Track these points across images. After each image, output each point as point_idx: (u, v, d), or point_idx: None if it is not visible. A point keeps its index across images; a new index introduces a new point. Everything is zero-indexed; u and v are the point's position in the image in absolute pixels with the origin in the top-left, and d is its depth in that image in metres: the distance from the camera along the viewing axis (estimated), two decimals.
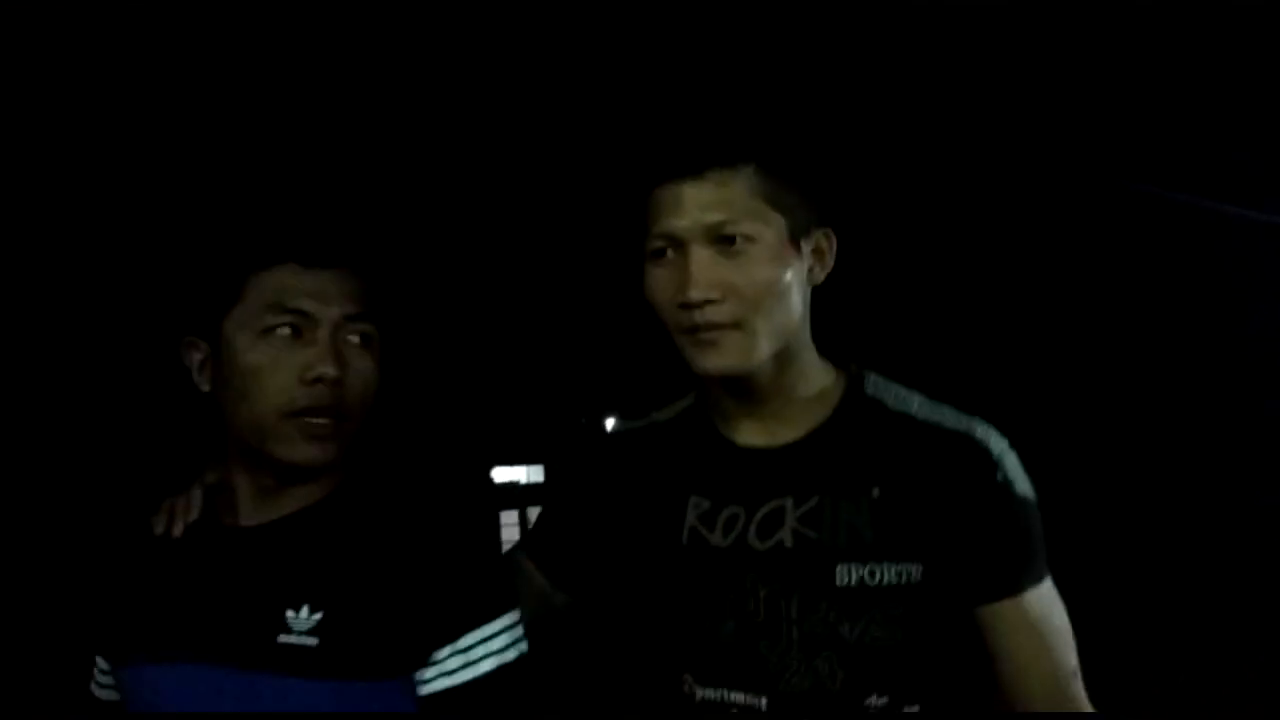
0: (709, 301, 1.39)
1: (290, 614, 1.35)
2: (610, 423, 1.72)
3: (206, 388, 1.45)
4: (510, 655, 1.37)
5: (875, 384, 1.53)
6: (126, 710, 1.45)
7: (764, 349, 1.43)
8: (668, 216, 1.42)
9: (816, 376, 1.52)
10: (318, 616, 1.34)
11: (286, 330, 1.38)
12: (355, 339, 1.41)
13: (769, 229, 1.42)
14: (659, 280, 1.45)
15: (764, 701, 1.42)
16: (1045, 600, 1.43)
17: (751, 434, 1.52)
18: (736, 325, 1.40)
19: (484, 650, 1.36)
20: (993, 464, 1.42)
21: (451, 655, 1.35)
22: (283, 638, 1.34)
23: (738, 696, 1.43)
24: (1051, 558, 1.46)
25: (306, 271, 1.39)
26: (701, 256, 1.40)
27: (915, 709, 1.42)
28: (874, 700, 1.40)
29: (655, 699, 1.52)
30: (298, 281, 1.39)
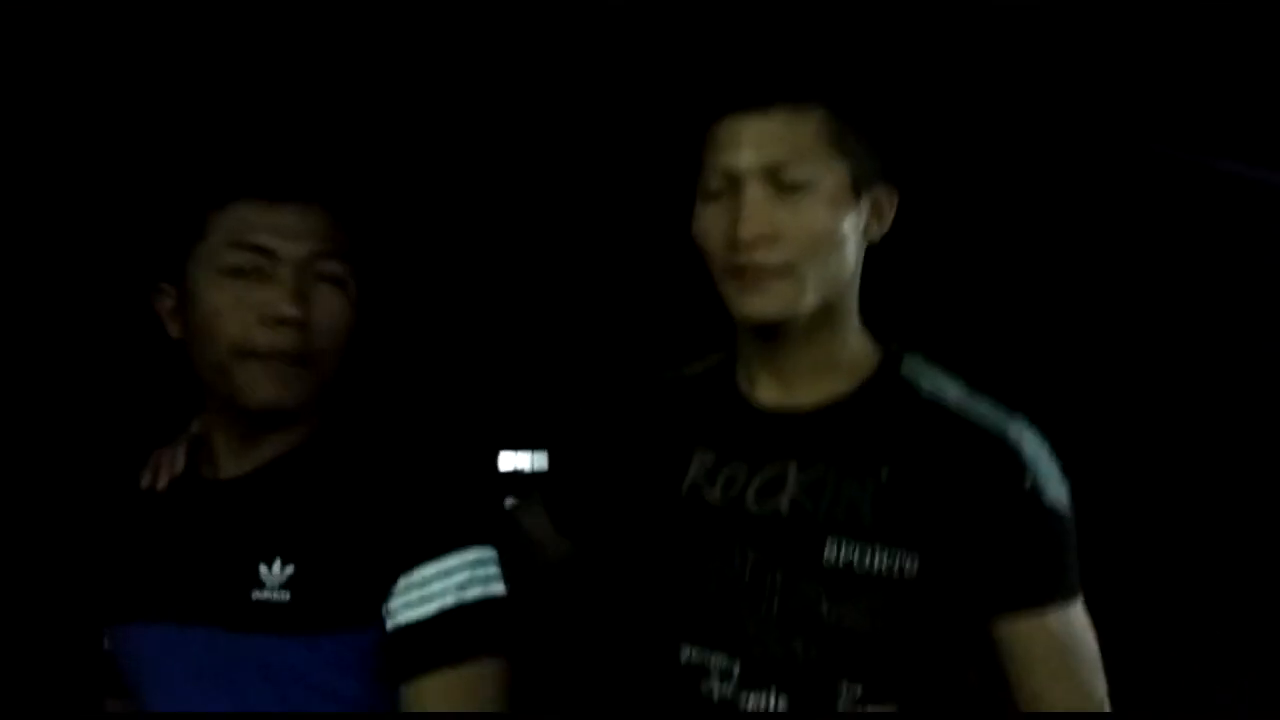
0: (760, 244, 1.33)
1: (264, 569, 1.30)
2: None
3: (177, 334, 1.40)
4: (472, 593, 1.30)
5: (913, 366, 1.44)
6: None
7: (810, 298, 1.36)
8: (727, 152, 1.35)
9: (853, 345, 1.44)
10: (290, 570, 1.30)
11: (248, 268, 1.32)
12: (324, 278, 1.35)
13: (830, 175, 1.35)
14: (710, 217, 1.38)
15: (738, 666, 1.37)
16: (1071, 623, 1.34)
17: (771, 394, 1.45)
18: (785, 271, 1.34)
19: (443, 584, 1.29)
20: (1022, 467, 1.33)
21: (409, 587, 1.29)
22: (256, 594, 1.29)
23: (718, 659, 1.38)
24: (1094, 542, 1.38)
25: (270, 207, 1.33)
26: (757, 196, 1.34)
27: (892, 708, 1.34)
28: (845, 687, 1.33)
29: (645, 659, 1.47)
30: (260, 217, 1.32)
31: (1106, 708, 1.34)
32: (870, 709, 1.33)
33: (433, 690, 1.28)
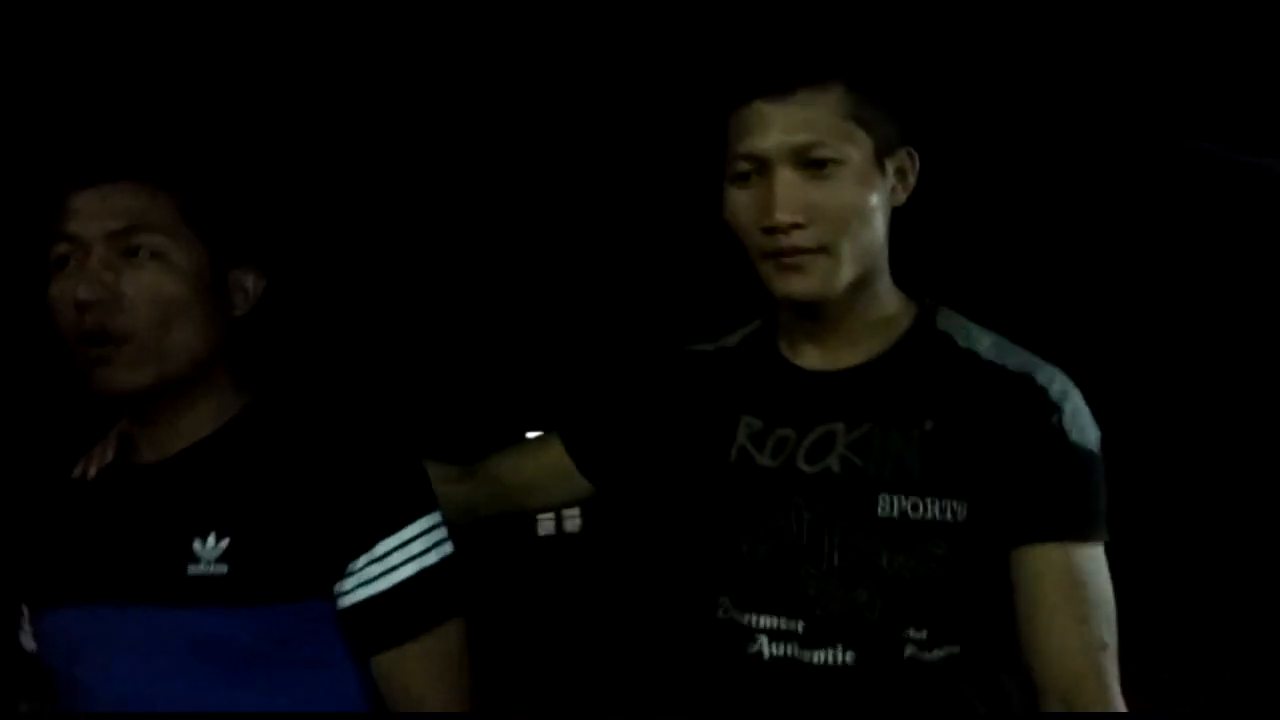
0: (795, 225, 1.37)
1: (197, 544, 1.32)
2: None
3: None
4: (431, 558, 1.36)
5: (948, 319, 1.50)
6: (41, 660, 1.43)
7: (847, 273, 1.41)
8: (753, 137, 1.39)
9: (888, 303, 1.50)
10: (225, 543, 1.31)
11: (66, 256, 1.33)
12: (135, 253, 1.32)
13: (857, 150, 1.39)
14: (741, 203, 1.42)
15: (801, 625, 1.41)
16: (1088, 563, 1.37)
17: (813, 357, 1.50)
18: (822, 249, 1.39)
19: (403, 555, 1.34)
20: (1050, 406, 1.38)
21: (369, 564, 1.33)
22: (192, 569, 1.31)
23: (770, 621, 1.43)
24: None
25: (81, 191, 1.34)
26: (787, 178, 1.38)
27: (955, 649, 1.40)
28: (912, 633, 1.38)
29: (684, 622, 1.52)
30: (72, 203, 1.33)
31: (1111, 658, 1.35)
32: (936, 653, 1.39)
33: (410, 658, 1.34)
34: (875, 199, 1.41)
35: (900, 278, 1.53)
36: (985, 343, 1.46)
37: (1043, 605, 1.35)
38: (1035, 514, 1.37)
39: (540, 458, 1.68)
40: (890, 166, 1.44)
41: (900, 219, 1.50)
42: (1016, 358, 1.44)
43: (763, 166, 1.39)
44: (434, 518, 1.38)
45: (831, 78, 1.39)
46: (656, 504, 1.58)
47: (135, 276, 1.32)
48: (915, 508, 1.39)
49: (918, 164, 1.48)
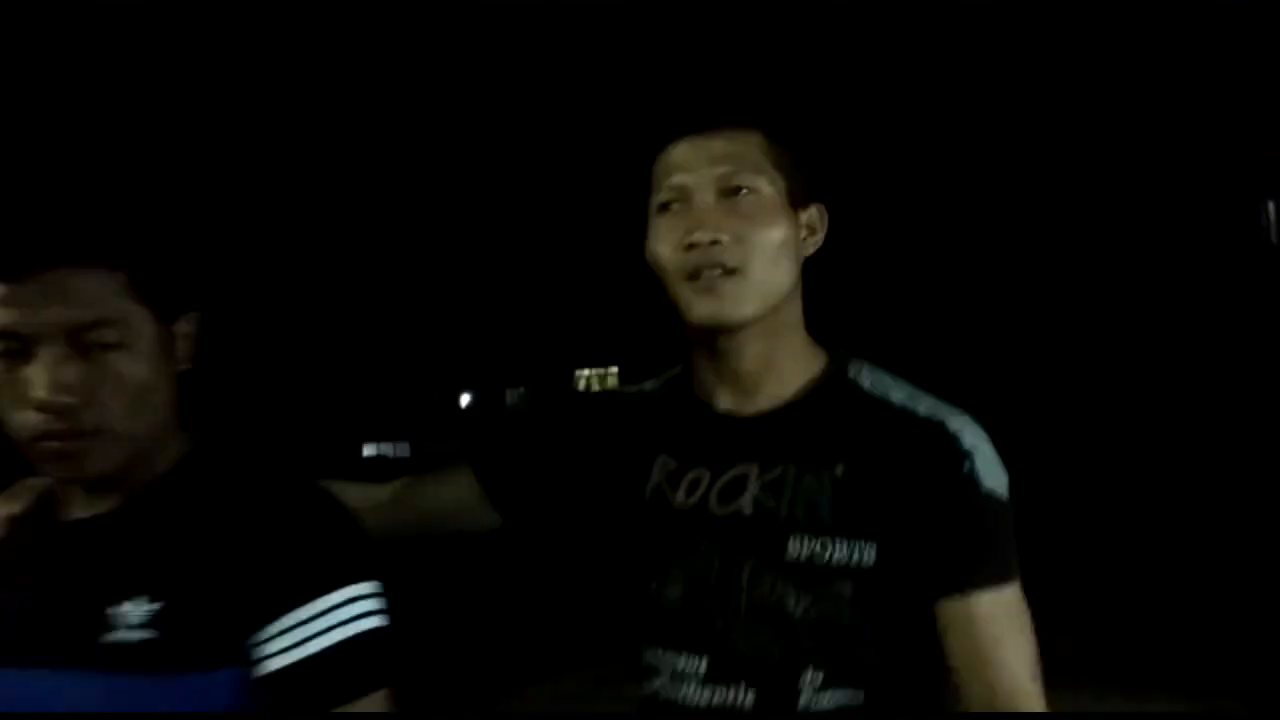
0: (714, 242, 1.43)
1: (122, 607, 1.25)
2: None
3: None
4: (359, 627, 1.26)
5: (859, 370, 1.54)
6: None
7: (755, 301, 1.45)
8: (679, 170, 1.48)
9: (801, 353, 1.54)
10: (153, 607, 1.25)
11: (12, 351, 1.24)
12: (93, 347, 1.25)
13: (771, 187, 1.48)
14: (664, 229, 1.48)
15: (704, 664, 1.44)
16: (1001, 607, 1.40)
17: (728, 401, 1.53)
18: (736, 270, 1.43)
19: (326, 622, 1.25)
20: (961, 454, 1.42)
21: (290, 629, 1.25)
22: (113, 635, 1.24)
23: (675, 659, 1.46)
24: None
25: (16, 285, 1.23)
26: (709, 203, 1.46)
27: (859, 693, 1.42)
28: (809, 674, 1.40)
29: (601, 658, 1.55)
30: (8, 297, 1.23)
31: (1035, 697, 1.37)
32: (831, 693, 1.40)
33: None
34: (785, 235, 1.47)
35: (815, 331, 1.57)
36: (896, 390, 1.50)
37: (970, 654, 1.38)
38: (953, 566, 1.40)
39: (455, 485, 1.69)
40: (801, 216, 1.52)
41: (814, 275, 1.55)
42: (927, 405, 1.47)
43: (686, 196, 1.47)
44: (367, 586, 1.29)
45: (751, 124, 1.50)
46: (568, 539, 1.62)
47: (98, 370, 1.25)
48: (824, 549, 1.41)
49: (826, 221, 1.56)
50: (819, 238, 1.55)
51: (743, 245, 1.44)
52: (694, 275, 1.45)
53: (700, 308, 1.45)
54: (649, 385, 1.66)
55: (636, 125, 1.56)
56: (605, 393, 1.69)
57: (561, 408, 1.71)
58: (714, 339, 1.50)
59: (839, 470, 1.44)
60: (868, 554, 1.40)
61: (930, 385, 1.53)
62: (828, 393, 1.51)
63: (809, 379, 1.52)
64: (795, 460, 1.46)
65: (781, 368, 1.51)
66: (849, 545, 1.41)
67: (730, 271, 1.44)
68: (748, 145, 1.48)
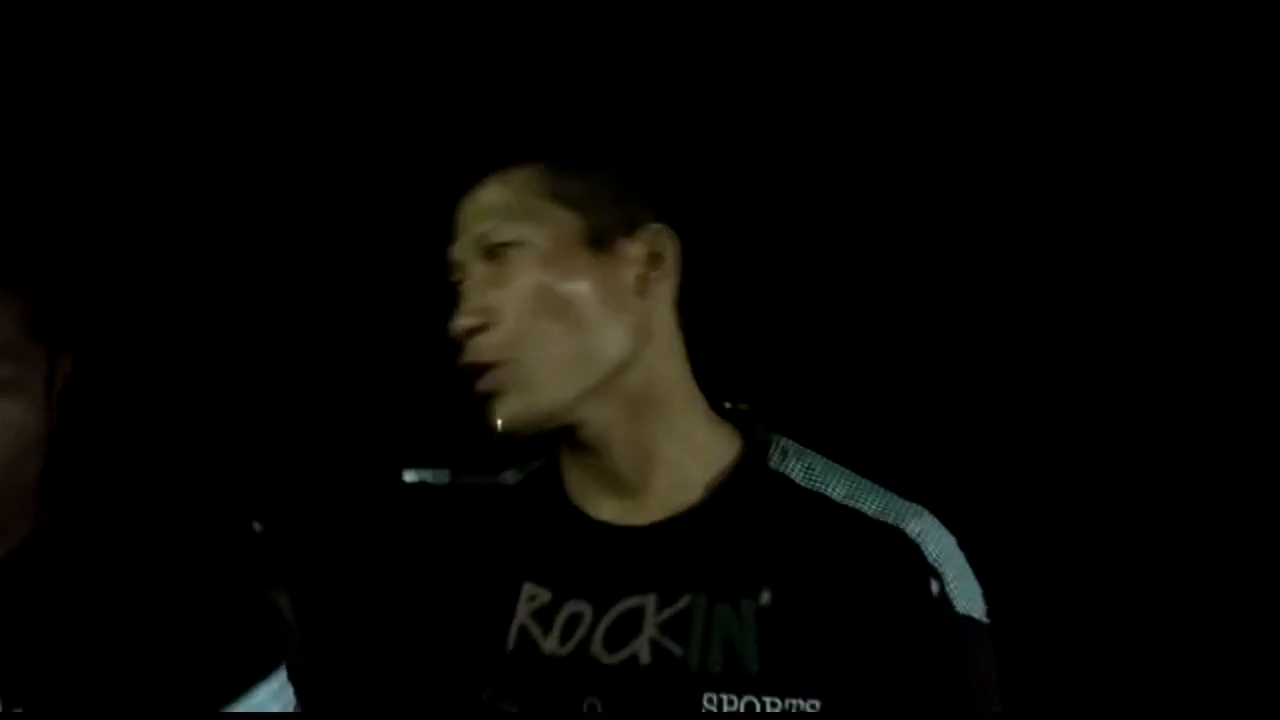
0: (475, 330, 1.13)
1: None
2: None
3: None
4: None
5: (785, 452, 1.18)
6: None
7: (553, 391, 1.12)
8: (453, 241, 1.19)
9: (698, 435, 1.18)
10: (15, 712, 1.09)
11: None
12: None
13: (542, 229, 1.14)
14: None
15: None
16: None
17: (610, 507, 1.17)
18: (506, 363, 1.12)
19: None
20: (926, 569, 1.09)
21: None
22: None
23: None
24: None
25: None
26: (475, 278, 1.16)
27: None
28: None
29: None
30: None
31: None
32: None
33: None
34: (572, 286, 1.13)
35: (717, 399, 1.22)
36: (836, 482, 1.16)
37: None
38: (929, 707, 1.08)
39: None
40: (625, 249, 1.16)
41: (701, 322, 1.22)
42: (876, 501, 1.13)
43: (460, 272, 1.18)
44: (270, 684, 1.18)
45: (526, 157, 1.17)
46: (418, 693, 1.21)
47: None
48: (751, 710, 1.06)
49: (677, 245, 1.19)
50: (669, 268, 1.18)
51: (508, 322, 1.12)
52: (472, 379, 1.14)
53: (490, 418, 1.14)
54: (509, 477, 1.28)
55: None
56: (456, 486, 1.31)
57: (402, 508, 1.32)
58: (567, 441, 1.17)
59: (765, 598, 1.09)
60: (807, 711, 1.06)
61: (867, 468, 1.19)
62: (744, 489, 1.15)
63: (717, 470, 1.16)
64: (706, 587, 1.10)
65: (671, 458, 1.16)
66: (785, 703, 1.06)
67: (501, 364, 1.12)
68: (518, 186, 1.15)
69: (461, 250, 1.17)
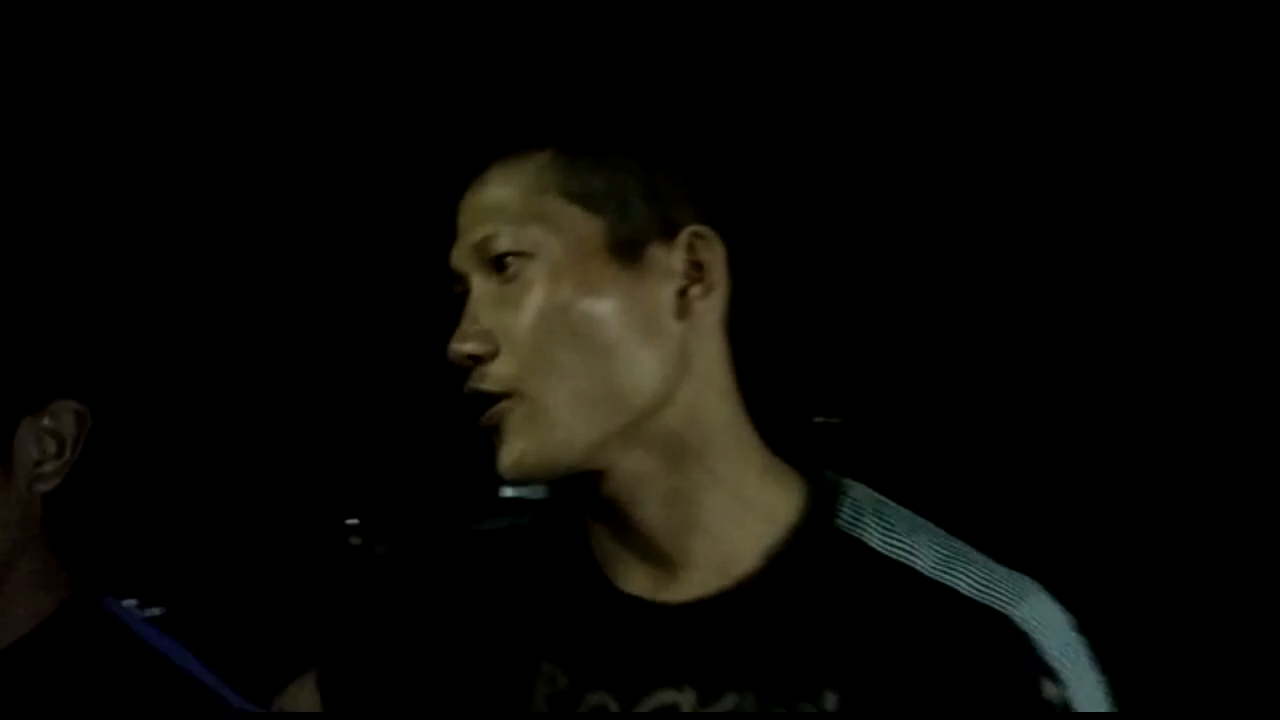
0: (474, 358, 0.93)
1: None
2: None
3: None
4: None
5: (858, 508, 0.96)
6: None
7: (571, 432, 0.92)
8: (454, 247, 0.99)
9: (750, 488, 0.95)
10: None
11: None
12: None
13: (557, 236, 0.93)
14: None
15: None
16: None
17: (642, 579, 0.96)
18: (512, 394, 0.93)
19: None
20: (1040, 668, 0.86)
21: None
22: None
23: None
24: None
25: None
26: (480, 295, 0.96)
27: None
28: None
29: None
30: None
31: None
32: None
33: None
34: (607, 307, 0.92)
35: (775, 440, 0.99)
36: (922, 547, 0.93)
37: None
38: None
39: (300, 700, 1.14)
40: (661, 259, 0.94)
41: (754, 347, 1.00)
42: (976, 574, 0.91)
43: (463, 284, 0.97)
44: None
45: (532, 144, 0.96)
46: None
47: None
48: None
49: (721, 251, 0.96)
50: (714, 279, 0.95)
51: (515, 351, 0.92)
52: (478, 416, 0.95)
53: (498, 461, 0.94)
54: (531, 523, 1.08)
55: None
56: (475, 534, 1.10)
57: (418, 569, 1.11)
58: (584, 489, 0.96)
59: (829, 702, 0.87)
60: None
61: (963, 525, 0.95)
62: (806, 557, 0.93)
63: (772, 533, 0.94)
64: (755, 684, 0.89)
65: (716, 518, 0.94)
66: None
67: (509, 398, 0.92)
68: (524, 181, 0.95)
69: (462, 259, 0.96)
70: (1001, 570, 0.90)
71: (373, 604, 1.15)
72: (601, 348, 0.91)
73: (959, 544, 0.93)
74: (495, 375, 0.91)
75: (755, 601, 0.91)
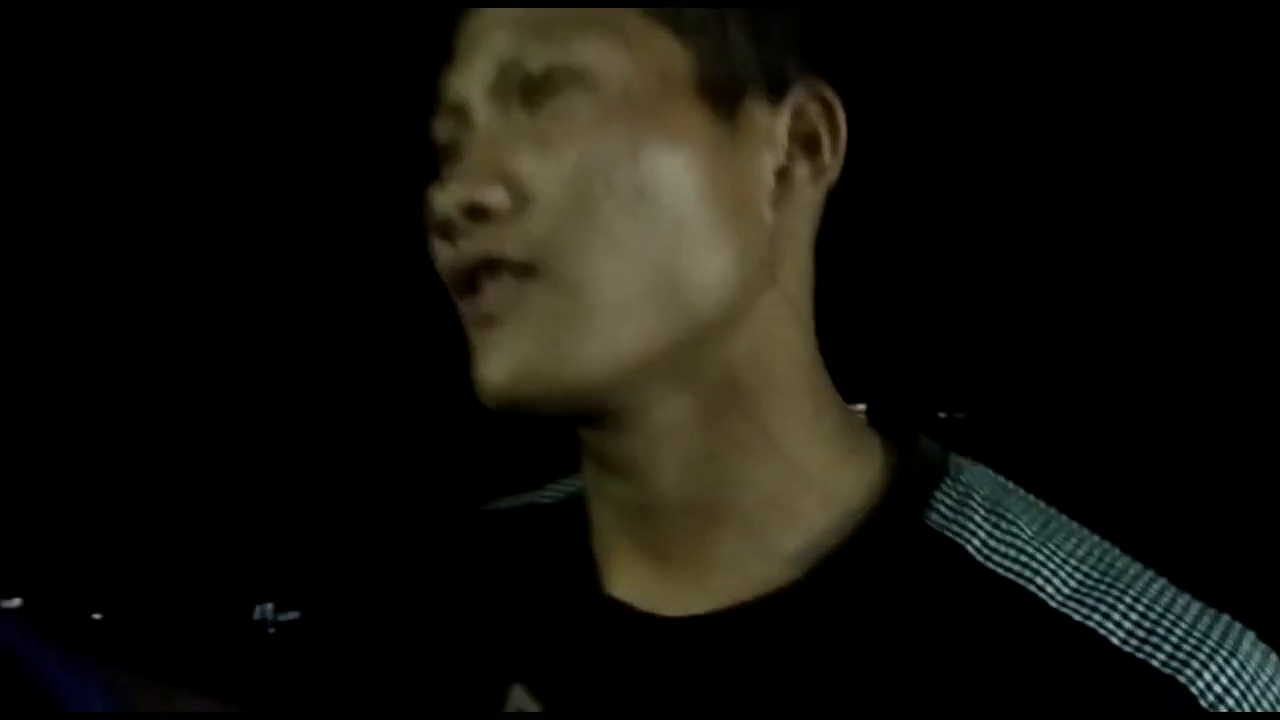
0: (476, 211, 0.63)
1: None
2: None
3: None
4: None
5: (963, 498, 0.66)
6: None
7: (608, 333, 0.62)
8: (452, 69, 0.68)
9: (813, 459, 0.67)
10: None
11: None
12: None
13: (630, 57, 0.63)
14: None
15: None
16: None
17: (643, 579, 0.68)
18: (534, 270, 0.62)
19: None
20: None
21: None
22: None
23: None
24: None
25: None
26: (495, 131, 0.65)
27: None
28: None
29: None
30: None
31: None
32: None
33: None
34: (688, 166, 0.63)
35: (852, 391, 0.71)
36: (1050, 560, 0.63)
37: None
38: None
39: None
40: (764, 118, 0.66)
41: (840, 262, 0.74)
42: (1137, 610, 0.60)
43: (461, 118, 0.67)
44: None
45: None
46: None
47: None
48: None
49: (841, 118, 0.67)
50: (827, 161, 0.67)
51: (549, 210, 0.62)
52: (460, 291, 0.65)
53: (479, 369, 0.65)
54: (545, 496, 0.82)
55: None
56: (480, 514, 0.84)
57: (396, 580, 0.87)
58: (594, 439, 0.67)
59: None
60: None
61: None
62: (872, 566, 0.64)
63: (832, 529, 0.65)
64: None
65: (753, 502, 0.66)
66: None
67: (526, 271, 0.62)
68: None
69: (468, 83, 0.66)
70: (1184, 605, 0.60)
71: (355, 605, 0.98)
72: (673, 221, 0.62)
73: (1123, 561, 0.63)
74: (516, 237, 0.62)
75: (787, 624, 0.63)
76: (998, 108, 2.52)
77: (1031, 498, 0.67)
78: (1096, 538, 0.65)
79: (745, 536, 0.65)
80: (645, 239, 0.62)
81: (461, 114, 0.66)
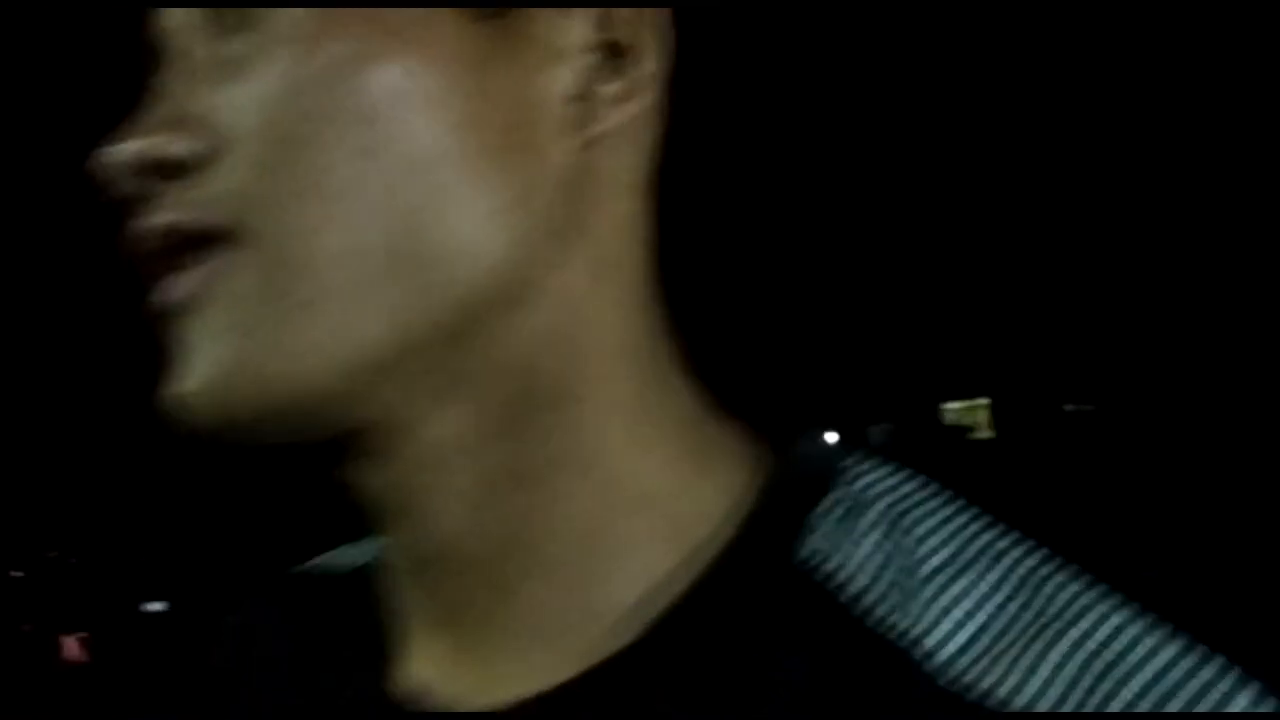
0: (163, 164, 0.45)
1: None
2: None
3: None
4: None
5: (849, 519, 0.48)
6: None
7: (335, 315, 0.44)
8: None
9: (651, 478, 0.48)
10: None
11: None
12: None
13: None
14: None
15: None
16: None
17: (443, 663, 0.51)
18: (230, 235, 0.45)
19: None
20: None
21: None
22: None
23: None
24: None
25: None
26: (186, 65, 0.47)
27: None
28: None
29: None
30: None
31: None
32: None
33: None
34: (429, 88, 0.44)
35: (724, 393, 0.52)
36: (961, 607, 0.45)
37: None
38: None
39: None
40: (551, 28, 0.46)
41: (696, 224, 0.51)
42: (1073, 688, 0.42)
43: (166, 58, 0.49)
44: None
45: None
46: None
47: None
48: None
49: (670, 38, 0.47)
50: (645, 76, 0.46)
51: (246, 156, 0.44)
52: (141, 273, 0.47)
53: (173, 380, 0.46)
54: (339, 561, 0.63)
55: None
56: (298, 578, 0.65)
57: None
58: (336, 467, 0.49)
59: None
60: None
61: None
62: (723, 621, 0.46)
63: (675, 573, 0.47)
64: None
65: (569, 542, 0.48)
66: None
67: (219, 242, 0.45)
68: None
69: (169, 11, 0.49)
70: (1168, 656, 0.41)
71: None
72: (414, 160, 0.44)
73: (1063, 597, 0.44)
74: (209, 196, 0.45)
75: (622, 703, 0.46)
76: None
77: (958, 506, 0.49)
78: (1033, 561, 0.46)
79: (564, 589, 0.48)
80: (375, 185, 0.44)
81: (163, 52, 0.49)
